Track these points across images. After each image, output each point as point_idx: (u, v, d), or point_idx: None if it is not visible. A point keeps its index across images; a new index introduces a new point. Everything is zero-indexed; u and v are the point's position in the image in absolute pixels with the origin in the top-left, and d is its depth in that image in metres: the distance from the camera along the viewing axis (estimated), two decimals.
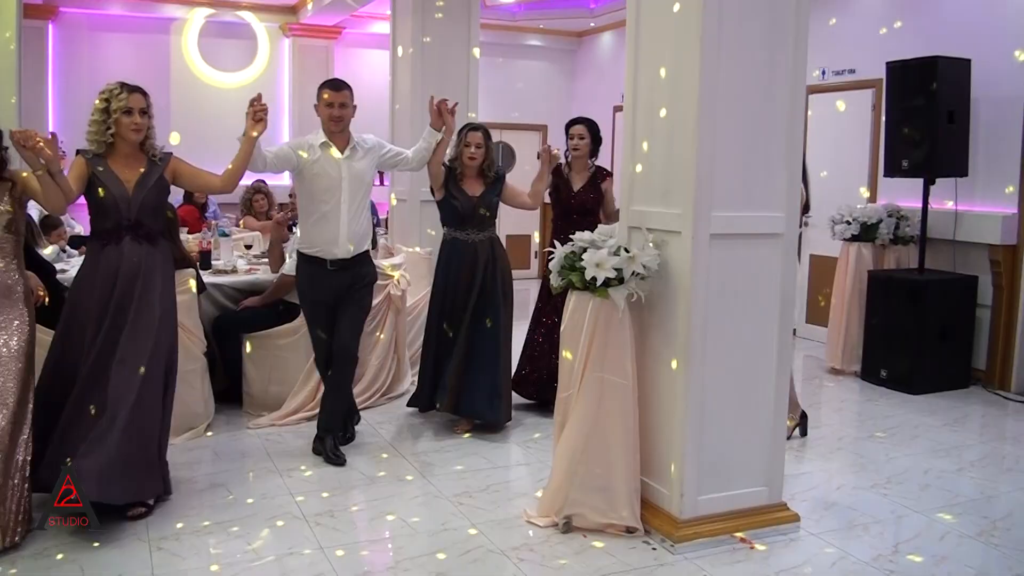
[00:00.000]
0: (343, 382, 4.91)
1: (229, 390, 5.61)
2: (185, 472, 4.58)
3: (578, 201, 5.80)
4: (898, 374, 6.69)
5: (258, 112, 4.20)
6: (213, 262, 6.25)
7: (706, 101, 3.58)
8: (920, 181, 6.79)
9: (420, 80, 6.71)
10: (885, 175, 7.06)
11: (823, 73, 8.31)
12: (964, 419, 5.99)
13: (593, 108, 11.69)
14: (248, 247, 7.17)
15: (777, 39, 3.75)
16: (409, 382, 6.18)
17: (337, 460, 4.77)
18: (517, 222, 12.20)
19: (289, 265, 5.53)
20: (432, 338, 5.45)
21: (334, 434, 4.91)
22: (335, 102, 4.70)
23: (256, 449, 4.99)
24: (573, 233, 5.65)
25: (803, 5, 3.78)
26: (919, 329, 6.59)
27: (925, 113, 6.57)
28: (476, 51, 6.91)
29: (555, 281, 3.95)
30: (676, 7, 3.69)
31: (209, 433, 5.22)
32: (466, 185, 5.34)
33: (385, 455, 4.95)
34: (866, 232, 7.13)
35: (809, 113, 8.32)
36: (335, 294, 4.80)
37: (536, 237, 12.06)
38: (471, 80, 6.88)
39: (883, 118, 7.16)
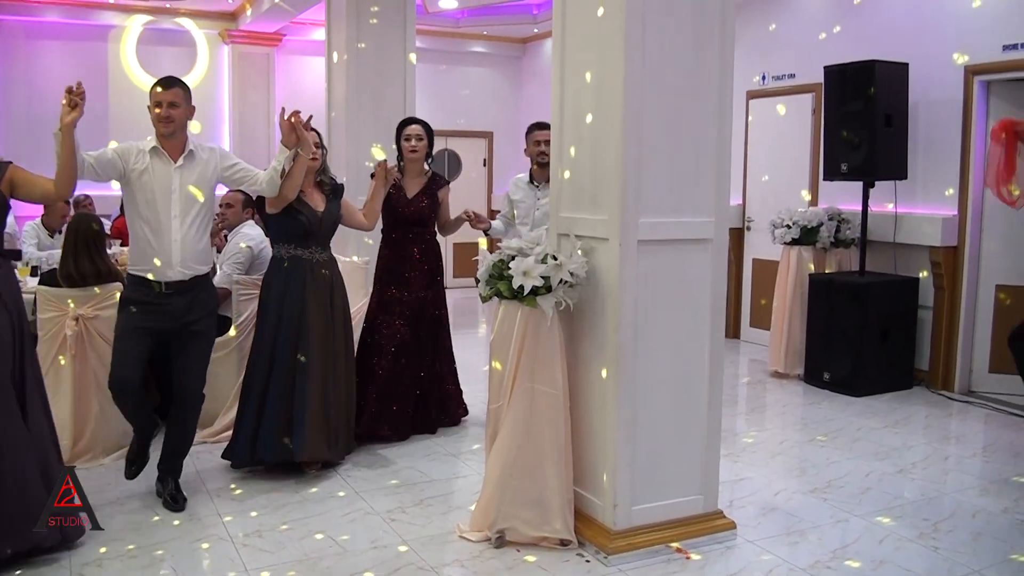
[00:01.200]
0: (189, 423, 4.45)
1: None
2: (112, 493, 4.43)
3: (413, 210, 5.42)
4: (841, 376, 6.70)
5: (74, 98, 3.72)
6: None
7: (631, 106, 3.53)
8: (860, 184, 6.82)
9: (355, 87, 6.61)
10: (825, 179, 7.09)
11: (764, 78, 8.33)
12: (907, 420, 6.01)
13: (540, 114, 11.59)
14: None
15: (703, 43, 3.70)
16: None
17: (176, 505, 4.27)
18: (464, 229, 12.11)
19: (219, 277, 5.40)
20: (264, 377, 4.69)
21: (176, 476, 4.42)
22: (163, 100, 4.12)
23: (185, 467, 4.82)
24: (408, 245, 5.42)
25: (728, 9, 3.74)
26: (861, 331, 6.61)
27: (863, 117, 6.60)
28: (412, 57, 6.82)
29: (483, 290, 3.87)
30: (600, 11, 3.63)
31: None
32: (308, 197, 4.76)
33: (318, 471, 4.83)
34: (807, 235, 7.15)
35: (750, 118, 8.37)
36: (170, 323, 4.19)
37: (483, 244, 11.99)
38: (408, 86, 6.79)
39: (823, 122, 7.18)
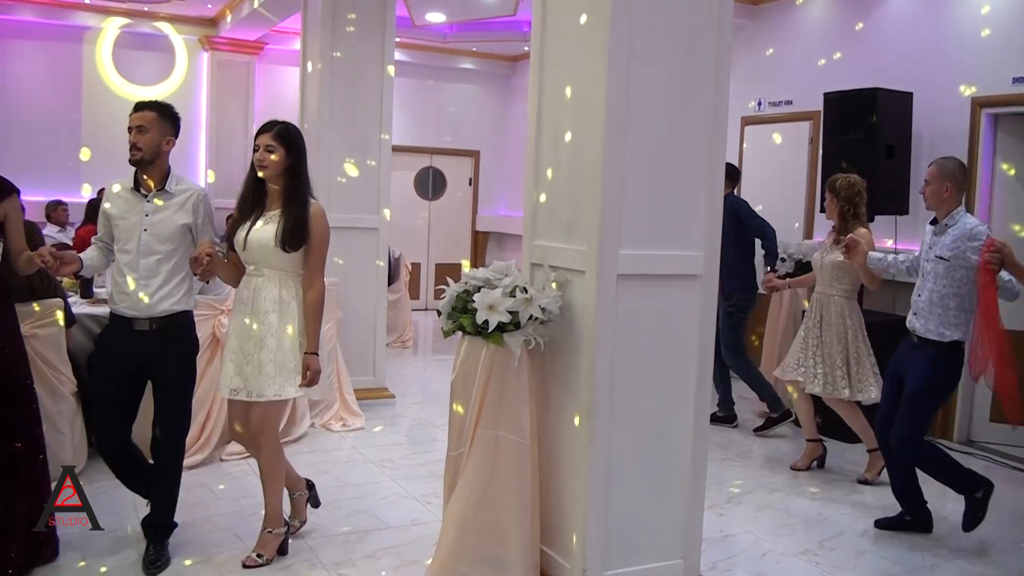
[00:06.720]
0: None
1: None
2: None
3: None
4: (835, 419, 6.30)
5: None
6: (96, 290, 5.67)
7: (613, 123, 3.16)
8: None
9: (329, 97, 6.25)
10: (821, 211, 6.74)
11: (759, 104, 8.03)
12: None
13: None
14: None
15: (697, 59, 3.35)
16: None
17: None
18: (448, 250, 11.76)
19: None
20: None
21: None
22: None
23: (130, 502, 4.35)
24: None
25: (726, 23, 3.38)
26: None
27: (864, 147, 6.28)
28: (390, 69, 6.46)
29: (444, 324, 3.48)
30: (583, 18, 3.27)
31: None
32: None
33: (255, 516, 4.37)
34: (801, 270, 6.79)
35: (744, 145, 8.04)
36: None
37: (466, 266, 11.64)
38: (384, 99, 6.42)
39: (820, 151, 6.86)
